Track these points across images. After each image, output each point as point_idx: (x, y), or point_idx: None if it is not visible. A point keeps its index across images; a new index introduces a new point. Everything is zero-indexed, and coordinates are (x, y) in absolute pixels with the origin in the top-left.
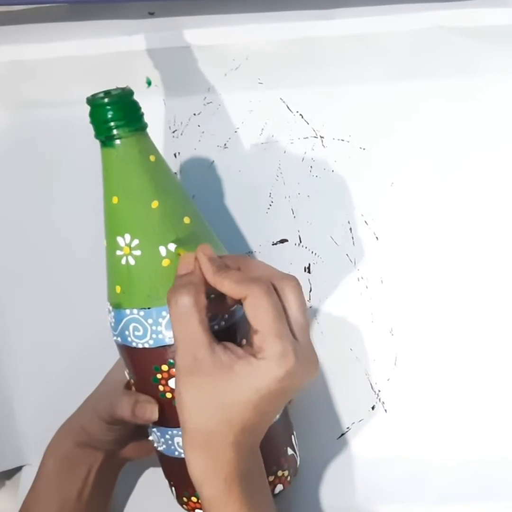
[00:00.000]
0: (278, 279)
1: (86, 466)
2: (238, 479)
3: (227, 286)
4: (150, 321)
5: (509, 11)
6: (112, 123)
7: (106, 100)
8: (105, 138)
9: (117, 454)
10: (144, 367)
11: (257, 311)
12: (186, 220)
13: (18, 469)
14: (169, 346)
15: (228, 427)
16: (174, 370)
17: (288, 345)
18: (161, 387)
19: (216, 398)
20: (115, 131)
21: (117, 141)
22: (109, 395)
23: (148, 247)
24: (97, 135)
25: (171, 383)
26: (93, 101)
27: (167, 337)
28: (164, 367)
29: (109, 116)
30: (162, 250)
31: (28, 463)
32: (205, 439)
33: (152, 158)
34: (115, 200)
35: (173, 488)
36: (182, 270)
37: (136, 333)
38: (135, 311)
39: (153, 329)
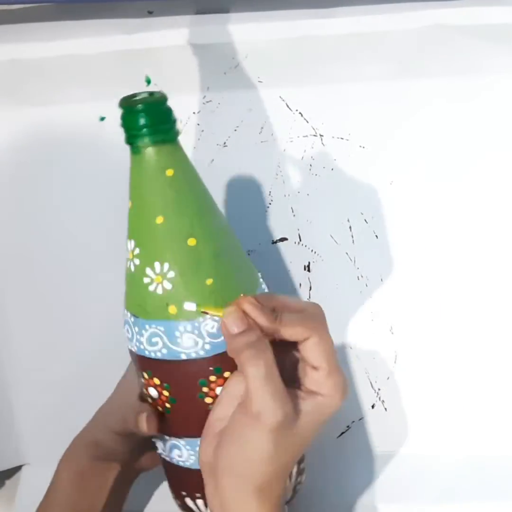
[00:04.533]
0: (313, 310)
1: (102, 480)
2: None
3: (290, 332)
4: (136, 329)
5: (510, 9)
6: (134, 132)
7: (139, 106)
8: (129, 144)
9: (132, 465)
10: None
11: (322, 349)
12: (191, 242)
13: (18, 468)
14: (154, 360)
15: (294, 461)
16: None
17: (344, 376)
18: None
19: (292, 441)
20: (137, 140)
21: (139, 149)
22: (121, 409)
23: (145, 260)
24: (125, 140)
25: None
26: (124, 106)
27: (147, 350)
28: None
29: (134, 123)
30: (157, 266)
31: (28, 462)
32: (268, 482)
33: (169, 172)
34: (130, 204)
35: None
36: (233, 328)
37: (127, 335)
38: (128, 314)
39: (137, 338)
